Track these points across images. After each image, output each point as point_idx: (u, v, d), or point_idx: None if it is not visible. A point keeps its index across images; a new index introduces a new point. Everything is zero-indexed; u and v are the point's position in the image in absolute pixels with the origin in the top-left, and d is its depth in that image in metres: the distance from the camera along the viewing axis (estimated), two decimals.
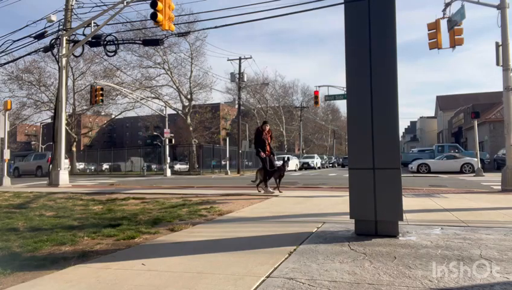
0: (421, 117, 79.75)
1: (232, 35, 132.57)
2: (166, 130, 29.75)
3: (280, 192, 9.20)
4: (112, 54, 16.03)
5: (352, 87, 4.21)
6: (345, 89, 6.96)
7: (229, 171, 31.28)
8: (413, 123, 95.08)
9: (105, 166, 41.46)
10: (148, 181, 19.12)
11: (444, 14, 11.84)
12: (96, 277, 2.83)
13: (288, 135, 60.67)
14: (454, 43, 11.36)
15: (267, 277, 2.71)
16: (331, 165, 50.40)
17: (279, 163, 9.94)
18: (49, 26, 15.71)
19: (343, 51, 4.23)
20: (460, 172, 21.46)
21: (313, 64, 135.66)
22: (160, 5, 9.69)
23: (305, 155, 45.93)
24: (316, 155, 43.45)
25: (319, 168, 38.81)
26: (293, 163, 33.64)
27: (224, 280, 2.68)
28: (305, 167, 36.88)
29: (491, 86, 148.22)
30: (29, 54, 19.93)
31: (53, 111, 21.19)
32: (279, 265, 2.98)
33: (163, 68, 36.50)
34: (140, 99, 33.73)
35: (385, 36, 4.08)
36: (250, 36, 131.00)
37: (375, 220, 3.97)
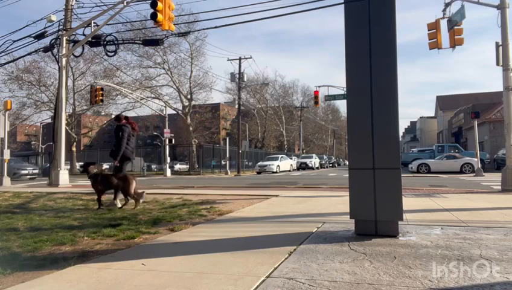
0: (421, 117, 79.62)
1: (232, 36, 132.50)
2: (166, 130, 29.74)
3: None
4: (112, 54, 16.04)
5: (352, 87, 4.22)
6: (345, 89, 6.96)
7: (229, 171, 31.29)
8: (413, 123, 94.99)
9: (105, 166, 41.44)
10: (148, 181, 19.11)
11: (444, 14, 11.84)
12: (96, 277, 2.83)
13: (288, 135, 60.69)
14: (454, 43, 11.36)
15: (267, 277, 2.71)
16: (331, 165, 50.33)
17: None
18: (49, 26, 15.77)
19: (343, 51, 4.24)
20: (460, 172, 21.46)
21: (312, 64, 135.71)
22: (160, 5, 9.69)
23: (303, 155, 45.59)
24: (314, 155, 43.14)
25: (317, 168, 38.49)
26: (287, 163, 33.54)
27: (224, 279, 2.68)
28: (302, 167, 36.58)
29: (490, 86, 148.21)
30: (29, 54, 19.96)
31: (53, 111, 21.24)
32: (279, 265, 2.98)
33: (163, 68, 36.54)
34: (141, 99, 33.71)
35: (385, 36, 4.09)
36: (250, 36, 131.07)
37: (375, 220, 3.97)
